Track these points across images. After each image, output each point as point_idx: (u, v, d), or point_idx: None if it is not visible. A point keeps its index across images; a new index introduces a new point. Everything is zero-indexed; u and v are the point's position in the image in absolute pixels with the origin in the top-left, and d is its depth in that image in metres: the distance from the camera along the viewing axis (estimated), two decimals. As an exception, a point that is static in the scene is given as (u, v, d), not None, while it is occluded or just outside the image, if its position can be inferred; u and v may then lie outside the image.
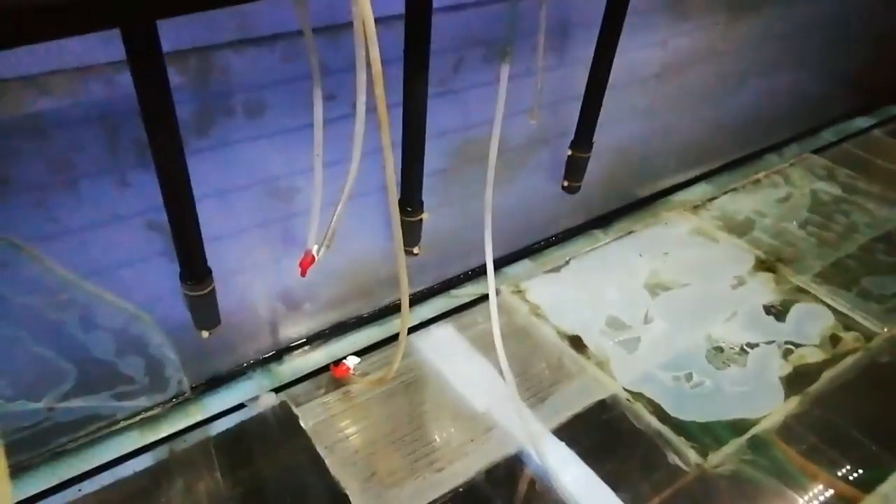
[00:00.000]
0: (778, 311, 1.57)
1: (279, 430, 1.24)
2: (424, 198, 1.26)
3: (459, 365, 1.39)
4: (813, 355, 1.46)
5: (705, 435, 1.27)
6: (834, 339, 1.50)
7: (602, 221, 1.84)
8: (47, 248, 1.00)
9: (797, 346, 1.48)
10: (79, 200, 1.01)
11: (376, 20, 1.16)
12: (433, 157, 1.40)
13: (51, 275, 1.01)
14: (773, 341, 1.48)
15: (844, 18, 2.11)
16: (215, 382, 1.31)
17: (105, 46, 0.89)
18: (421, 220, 1.26)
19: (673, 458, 1.23)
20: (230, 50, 1.05)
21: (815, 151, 2.21)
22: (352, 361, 1.35)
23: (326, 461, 1.18)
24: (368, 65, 0.78)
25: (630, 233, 1.81)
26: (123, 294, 1.10)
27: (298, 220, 1.25)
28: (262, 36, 1.07)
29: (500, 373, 1.32)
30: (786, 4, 1.89)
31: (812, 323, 1.54)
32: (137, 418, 1.22)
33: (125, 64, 0.80)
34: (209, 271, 1.03)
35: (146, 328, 1.13)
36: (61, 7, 0.61)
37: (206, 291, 1.02)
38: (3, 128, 0.90)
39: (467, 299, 1.56)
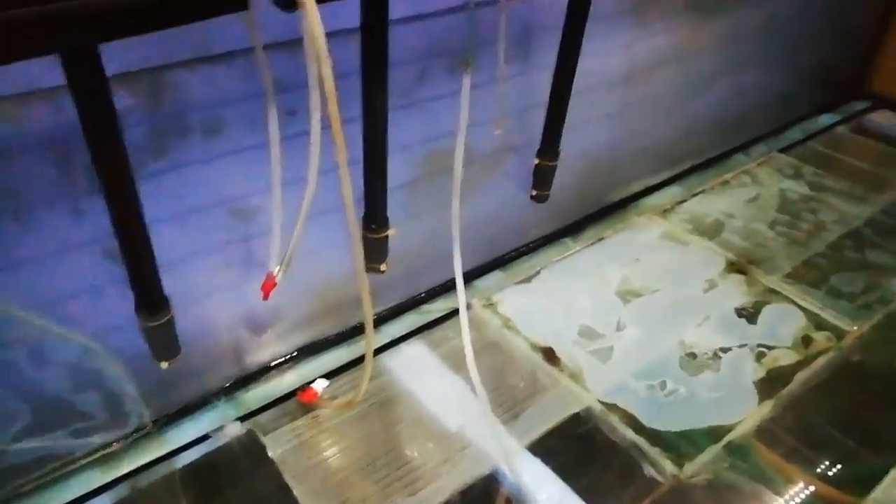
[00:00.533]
0: (750, 314, 1.57)
1: (246, 460, 1.20)
2: (392, 211, 1.24)
3: (431, 383, 1.36)
4: (786, 357, 1.46)
5: (681, 444, 1.26)
6: (806, 340, 1.51)
7: (573, 229, 1.82)
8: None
9: (770, 348, 1.48)
10: (28, 230, 0.97)
11: (335, 33, 1.13)
12: (400, 170, 1.38)
13: (-3, 311, 0.96)
14: (746, 345, 1.48)
15: (805, 17, 2.13)
16: (178, 414, 1.27)
17: (52, 69, 0.85)
18: (386, 236, 1.23)
19: (649, 470, 1.21)
20: (184, 69, 1.02)
21: (782, 150, 2.23)
22: (320, 385, 1.31)
23: (295, 491, 1.14)
24: (321, 83, 0.75)
25: (601, 239, 1.80)
26: (77, 326, 1.06)
27: (261, 241, 1.22)
28: (217, 53, 1.04)
29: (473, 389, 1.29)
30: (747, 6, 1.90)
31: (784, 324, 1.55)
32: (97, 455, 1.17)
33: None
34: (166, 300, 0.99)
35: (102, 361, 1.09)
36: None
37: (163, 322, 0.98)
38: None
39: (438, 314, 1.53)
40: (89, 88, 0.75)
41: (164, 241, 1.09)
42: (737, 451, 1.26)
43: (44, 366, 1.04)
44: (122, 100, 0.97)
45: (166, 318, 0.99)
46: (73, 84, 0.74)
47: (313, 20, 0.67)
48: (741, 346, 1.48)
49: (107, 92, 0.76)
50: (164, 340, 1.02)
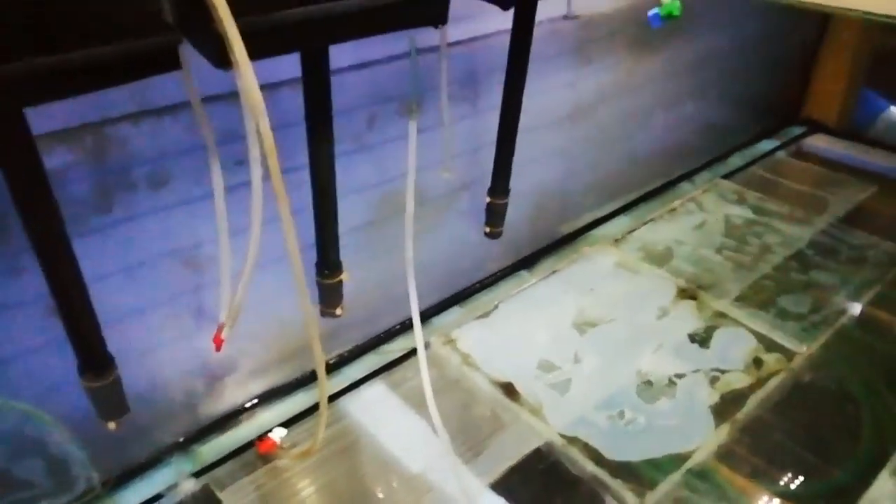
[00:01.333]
0: (702, 339, 1.61)
1: (203, 516, 1.17)
2: (347, 253, 1.24)
3: (393, 425, 1.35)
4: (738, 380, 1.49)
5: (643, 473, 1.27)
6: (757, 362, 1.54)
7: (528, 262, 1.85)
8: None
9: (723, 372, 1.51)
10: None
11: (277, 84, 1.15)
12: (354, 212, 1.39)
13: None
14: (700, 370, 1.51)
15: (738, 49, 2.23)
16: (130, 473, 1.23)
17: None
18: (340, 281, 1.23)
19: (611, 503, 1.22)
20: (127, 123, 1.02)
21: (725, 177, 2.31)
22: (278, 434, 1.29)
23: (254, 547, 1.12)
24: (260, 138, 0.75)
25: (555, 271, 1.82)
26: (16, 390, 1.02)
27: (212, 292, 1.21)
28: (161, 107, 1.04)
29: (435, 430, 1.29)
30: (683, 40, 1.98)
31: (735, 347, 1.58)
32: (44, 523, 1.13)
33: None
34: (110, 359, 0.96)
35: (44, 426, 1.05)
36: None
37: (108, 382, 0.95)
38: None
39: (398, 354, 1.52)
40: (15, 153, 0.73)
41: (112, 296, 1.07)
42: (699, 475, 1.28)
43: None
44: (62, 156, 0.96)
45: (111, 378, 0.96)
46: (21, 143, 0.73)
47: (248, 78, 0.68)
48: (695, 371, 1.51)
49: (35, 156, 0.74)
50: (110, 400, 0.99)
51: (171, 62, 0.71)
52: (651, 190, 2.19)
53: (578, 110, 1.76)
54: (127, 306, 1.13)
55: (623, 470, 1.27)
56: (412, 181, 1.25)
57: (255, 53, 0.70)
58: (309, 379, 1.45)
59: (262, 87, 0.73)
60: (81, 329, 0.90)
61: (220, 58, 0.71)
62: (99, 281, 0.94)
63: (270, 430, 1.30)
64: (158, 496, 1.19)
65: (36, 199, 0.76)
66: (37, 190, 0.76)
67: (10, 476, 1.05)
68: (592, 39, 1.69)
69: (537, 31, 1.24)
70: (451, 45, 1.33)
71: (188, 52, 0.76)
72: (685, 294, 1.75)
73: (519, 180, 1.49)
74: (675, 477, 1.27)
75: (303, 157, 1.08)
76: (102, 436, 1.09)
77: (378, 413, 1.38)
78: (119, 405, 1.01)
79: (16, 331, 1.01)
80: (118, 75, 0.68)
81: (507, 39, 1.25)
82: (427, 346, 1.50)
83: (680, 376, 1.49)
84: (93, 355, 0.93)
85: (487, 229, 1.53)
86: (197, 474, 1.23)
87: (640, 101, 1.95)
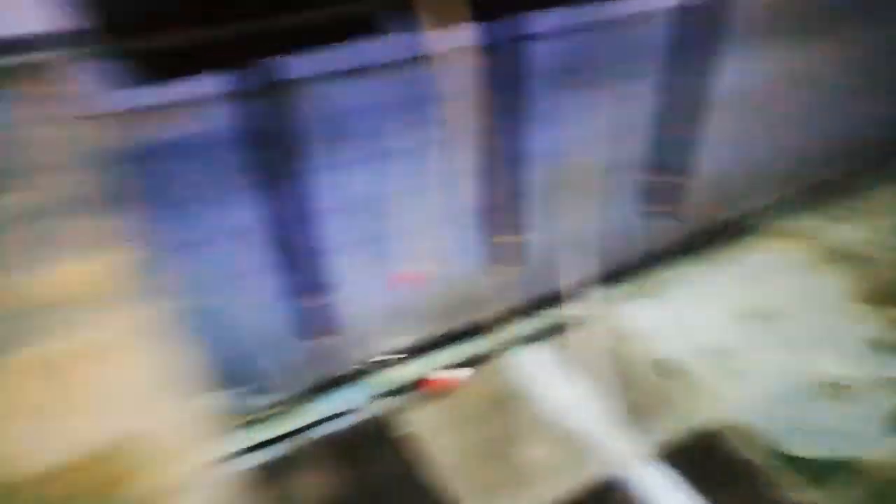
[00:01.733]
0: (890, 346, 1.47)
1: (382, 435, 1.31)
2: (523, 220, 1.29)
3: (555, 385, 1.41)
4: (929, 392, 1.35)
5: (819, 471, 1.22)
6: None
7: (702, 247, 1.80)
8: (183, 254, 1.11)
9: (912, 382, 1.37)
10: (201, 218, 1.12)
11: (464, 49, 1.22)
12: (531, 181, 1.44)
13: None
14: (886, 377, 1.39)
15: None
16: (325, 387, 1.40)
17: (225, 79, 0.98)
18: (518, 242, 1.29)
19: (786, 495, 1.18)
20: (338, 80, 1.14)
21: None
22: (452, 374, 1.40)
23: (425, 470, 1.23)
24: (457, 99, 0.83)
25: (729, 260, 1.76)
26: (246, 302, 1.21)
27: (403, 240, 1.33)
28: (367, 66, 1.15)
29: (595, 395, 1.32)
30: (875, 28, 1.77)
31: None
32: (249, 418, 1.32)
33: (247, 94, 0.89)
34: (324, 284, 1.11)
35: (263, 334, 1.23)
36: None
37: (323, 303, 1.10)
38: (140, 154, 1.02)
39: (564, 320, 1.57)
40: (271, 95, 0.88)
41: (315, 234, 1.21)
42: (876, 482, 1.19)
43: (220, 330, 1.19)
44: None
45: (325, 301, 1.11)
46: (246, 94, 0.88)
47: (440, 43, 0.75)
48: (880, 377, 1.39)
49: (274, 101, 0.88)
50: (320, 320, 1.15)
51: (403, 20, 0.81)
52: (838, 187, 2.00)
53: (763, 95, 1.66)
54: (326, 245, 1.27)
55: (798, 464, 1.23)
56: (592, 151, 1.27)
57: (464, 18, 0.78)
58: (477, 330, 1.54)
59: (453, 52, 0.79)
60: (307, 254, 1.06)
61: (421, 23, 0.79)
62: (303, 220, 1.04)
63: (445, 369, 1.41)
64: (349, 411, 1.36)
65: (275, 138, 0.92)
66: (277, 134, 0.91)
67: (235, 374, 1.26)
68: (782, 19, 1.57)
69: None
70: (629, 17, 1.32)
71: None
72: (868, 297, 1.60)
73: (694, 164, 1.44)
74: (854, 479, 1.19)
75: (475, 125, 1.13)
76: (306, 352, 1.26)
77: (540, 373, 1.44)
78: (326, 325, 1.17)
79: (241, 254, 1.19)
80: (354, 33, 0.80)
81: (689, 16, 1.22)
82: (593, 316, 1.53)
83: (863, 380, 1.38)
84: (313, 278, 1.09)
85: (659, 209, 1.51)
86: (382, 396, 1.38)
87: (833, 92, 1.78)
